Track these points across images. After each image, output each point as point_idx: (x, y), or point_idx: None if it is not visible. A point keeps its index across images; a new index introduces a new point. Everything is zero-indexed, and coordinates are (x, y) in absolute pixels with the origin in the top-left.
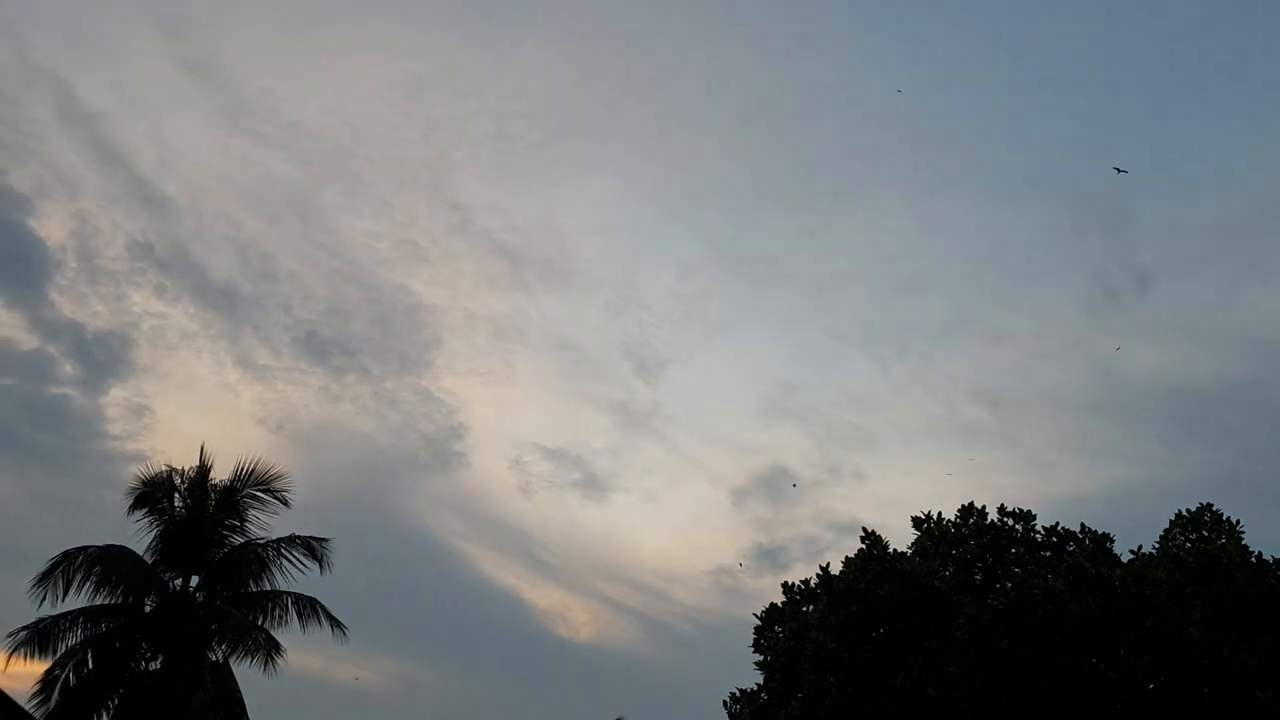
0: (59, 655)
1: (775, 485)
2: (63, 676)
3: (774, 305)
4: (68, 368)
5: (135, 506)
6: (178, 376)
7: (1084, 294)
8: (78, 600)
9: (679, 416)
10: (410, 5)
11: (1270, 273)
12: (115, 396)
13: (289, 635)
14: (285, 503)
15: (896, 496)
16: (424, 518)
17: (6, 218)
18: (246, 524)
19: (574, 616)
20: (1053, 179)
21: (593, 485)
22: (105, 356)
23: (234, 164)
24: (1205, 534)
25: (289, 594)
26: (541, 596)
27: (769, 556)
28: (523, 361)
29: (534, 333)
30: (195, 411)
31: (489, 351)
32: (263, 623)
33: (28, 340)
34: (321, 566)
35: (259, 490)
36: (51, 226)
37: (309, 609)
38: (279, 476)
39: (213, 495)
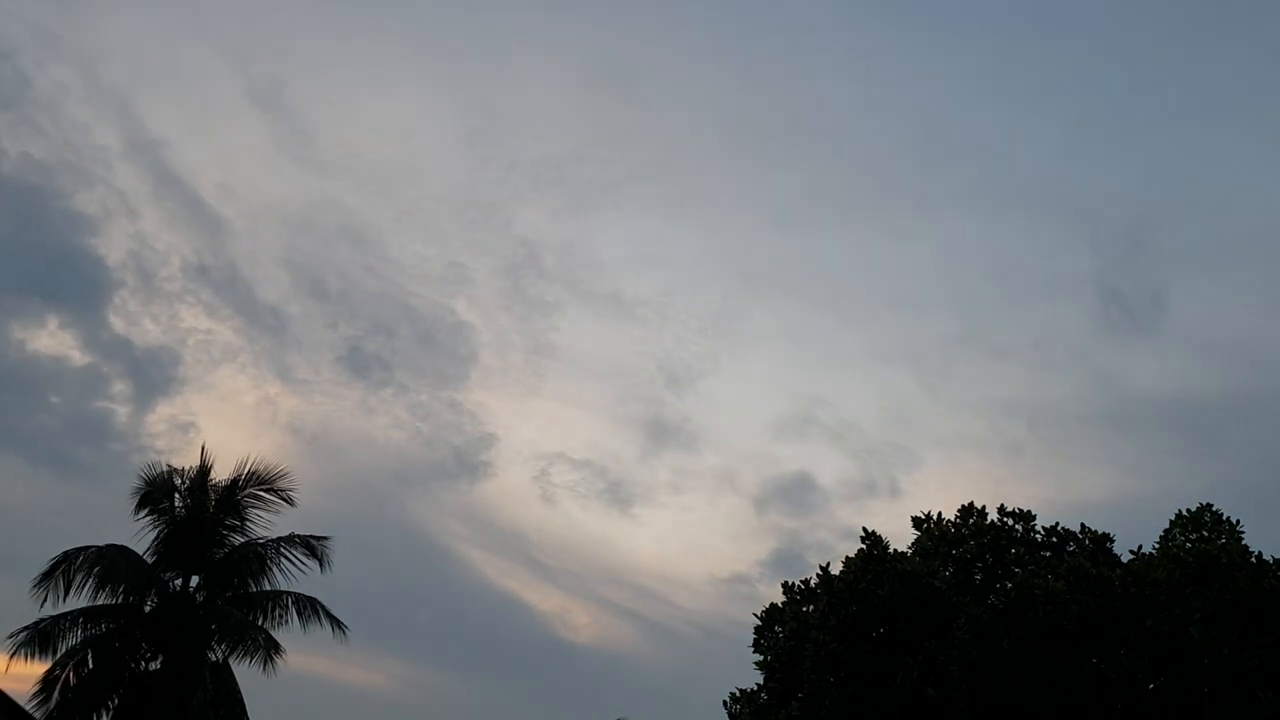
0: (59, 655)
1: (796, 495)
2: (63, 677)
3: (795, 321)
4: (118, 385)
5: (140, 506)
6: (220, 390)
7: (1090, 309)
8: (78, 600)
9: (707, 429)
10: (456, 48)
11: (1274, 286)
12: (162, 413)
13: (294, 635)
14: (290, 501)
15: (911, 507)
16: (448, 525)
17: (70, 240)
18: (248, 523)
19: (578, 619)
20: (1057, 196)
21: (618, 495)
22: (156, 373)
23: (291, 189)
24: (1205, 534)
25: (289, 594)
26: (542, 598)
27: (785, 564)
28: (556, 376)
29: (567, 347)
30: (235, 425)
31: (522, 366)
32: (263, 623)
33: (80, 358)
34: (322, 565)
35: (262, 490)
36: (112, 247)
37: (309, 609)
38: (282, 475)
39: (213, 495)
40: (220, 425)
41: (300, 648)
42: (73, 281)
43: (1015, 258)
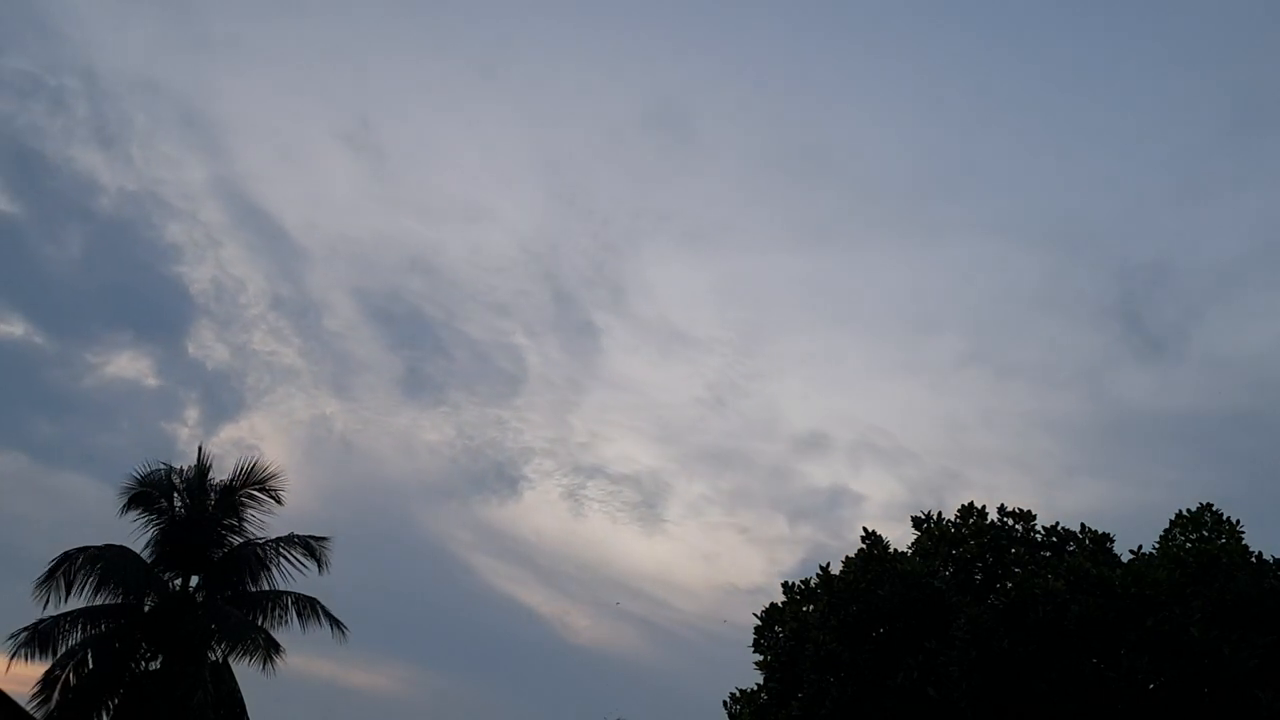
0: (59, 656)
1: (823, 509)
2: (63, 677)
3: (818, 341)
4: (190, 409)
5: (130, 506)
6: (280, 409)
7: (1093, 327)
8: (78, 601)
9: (736, 447)
10: (524, 90)
11: (1272, 305)
12: (227, 434)
13: (300, 637)
14: (278, 500)
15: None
16: (478, 537)
17: (155, 269)
18: (245, 523)
19: (603, 633)
20: (1058, 219)
21: (650, 511)
22: (226, 397)
23: (367, 220)
24: (1205, 534)
25: (289, 594)
26: (543, 601)
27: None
28: (598, 395)
29: (608, 368)
30: (292, 441)
31: (566, 386)
32: (262, 623)
33: (154, 381)
34: (320, 566)
35: (255, 489)
36: (195, 276)
37: (309, 609)
38: (274, 475)
39: (212, 495)
40: (278, 442)
41: (306, 649)
42: (155, 309)
43: (1025, 280)
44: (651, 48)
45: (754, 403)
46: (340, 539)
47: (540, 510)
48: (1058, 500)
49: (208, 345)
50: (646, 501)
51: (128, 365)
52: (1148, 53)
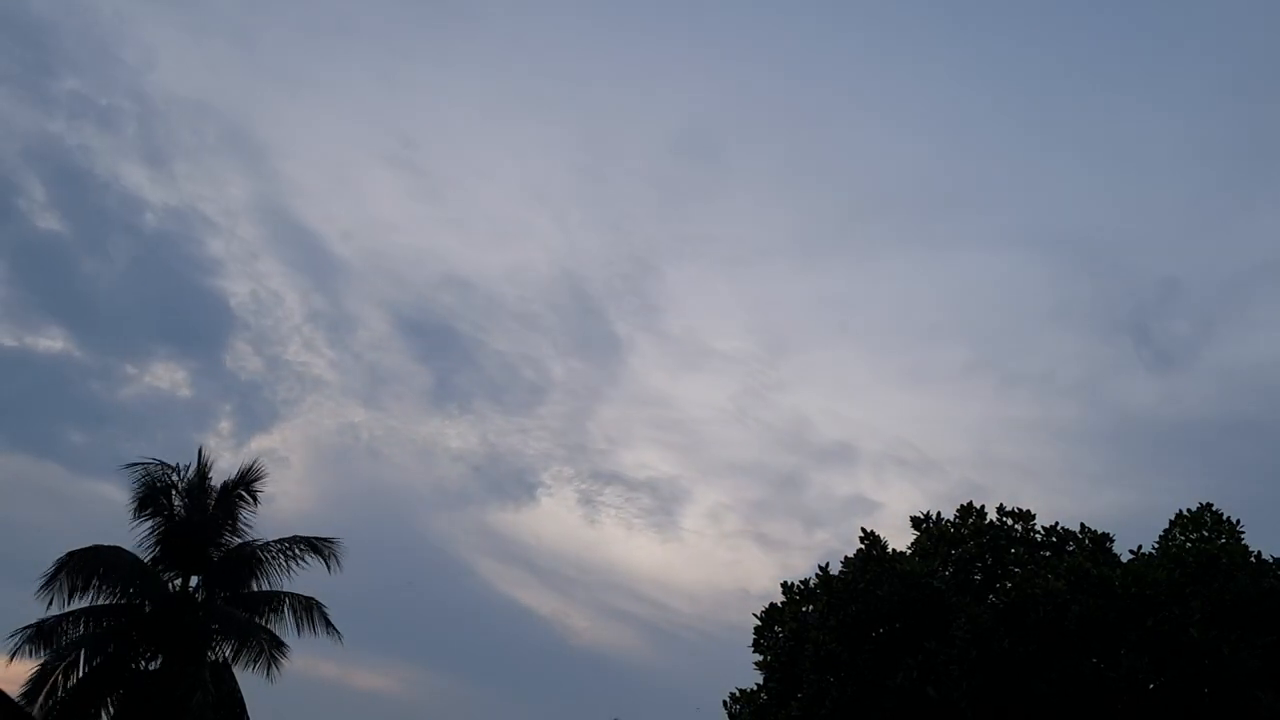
0: (59, 655)
1: (838, 515)
2: (63, 676)
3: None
4: (224, 420)
5: (141, 509)
6: (309, 417)
7: (1095, 337)
8: (79, 600)
9: (749, 456)
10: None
11: (1269, 316)
12: (258, 444)
13: (307, 639)
14: (254, 499)
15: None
16: (494, 542)
17: (195, 283)
18: (244, 524)
19: (614, 637)
20: (1063, 231)
21: (667, 517)
22: (259, 408)
23: (409, 237)
24: (1205, 534)
25: (287, 594)
26: (580, 620)
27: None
28: (620, 404)
29: (629, 379)
30: (320, 450)
31: (589, 395)
32: (262, 623)
33: (189, 393)
34: (328, 565)
35: (244, 491)
36: (234, 290)
37: (305, 610)
38: (261, 477)
39: (212, 495)
40: (307, 451)
41: (316, 652)
42: (193, 322)
43: (1029, 291)
44: (683, 72)
45: (776, 414)
46: (358, 543)
47: (555, 516)
48: (1083, 510)
49: (243, 357)
50: (663, 508)
51: (164, 377)
52: (1162, 71)
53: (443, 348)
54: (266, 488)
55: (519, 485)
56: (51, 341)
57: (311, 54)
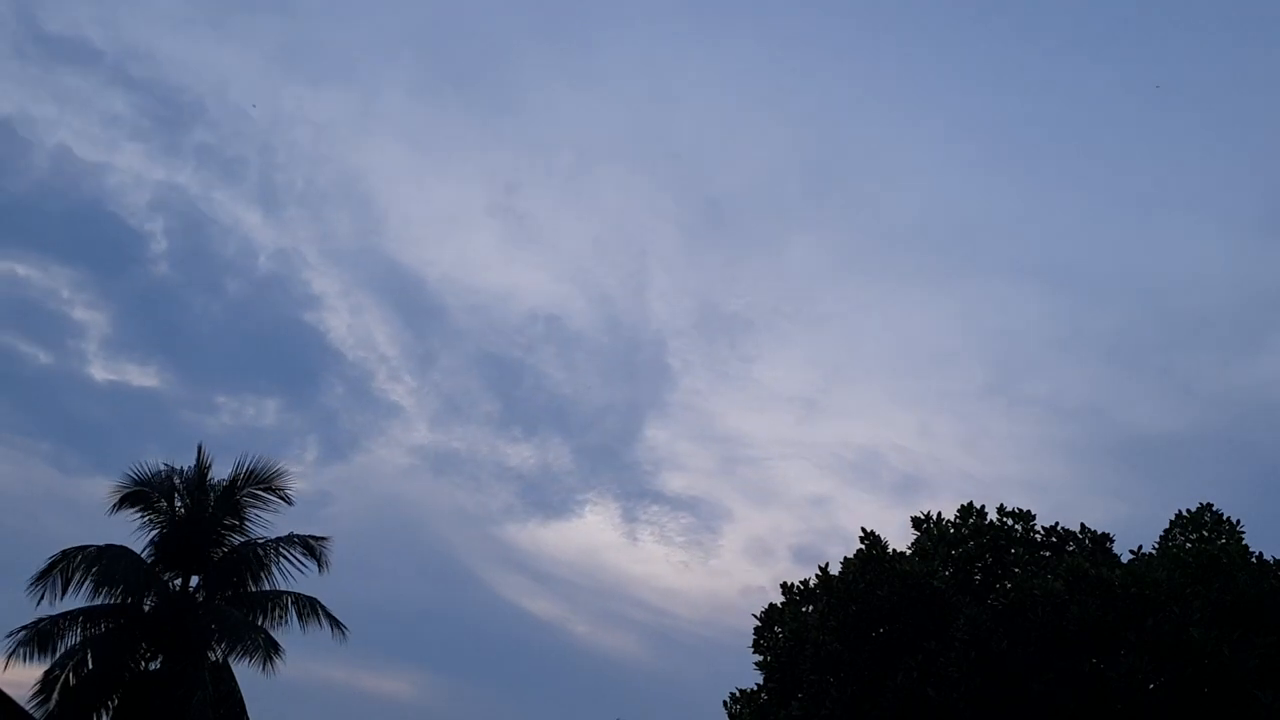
0: (58, 655)
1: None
2: (62, 677)
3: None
4: (310, 450)
5: (121, 505)
6: (389, 446)
7: (1097, 362)
8: (77, 600)
9: (782, 479)
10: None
11: (1262, 343)
12: (336, 472)
13: (320, 642)
14: (288, 500)
15: None
16: (533, 554)
17: (293, 316)
18: (247, 523)
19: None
20: (1064, 265)
21: (704, 538)
22: (341, 439)
23: (506, 282)
24: (1205, 534)
25: (289, 594)
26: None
27: None
28: (669, 427)
29: (679, 404)
30: (391, 475)
31: (640, 418)
32: (262, 623)
33: (273, 419)
34: (320, 565)
35: (260, 489)
36: (330, 324)
37: (309, 609)
38: (279, 474)
39: (212, 494)
40: (382, 476)
41: (326, 656)
42: (287, 355)
43: (1033, 320)
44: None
45: (822, 439)
46: (403, 556)
47: (593, 533)
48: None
49: (331, 388)
50: (705, 525)
51: (252, 406)
52: (1166, 116)
53: (518, 379)
54: (293, 486)
55: (565, 500)
56: (148, 375)
57: (423, 104)
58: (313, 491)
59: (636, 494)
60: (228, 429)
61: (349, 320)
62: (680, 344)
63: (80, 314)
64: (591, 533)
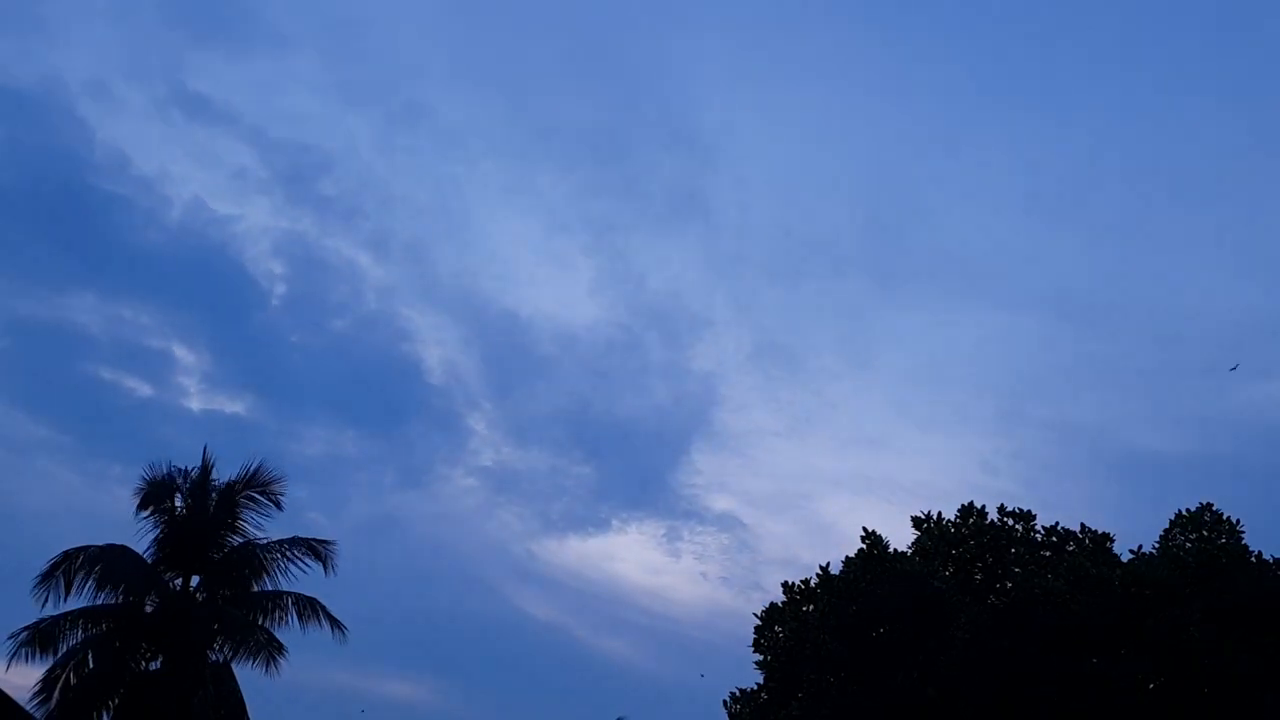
0: (59, 655)
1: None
2: (63, 677)
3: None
4: (388, 476)
5: (143, 506)
6: (460, 469)
7: (1092, 385)
8: (78, 600)
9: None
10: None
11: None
12: (407, 500)
13: (330, 645)
14: (278, 505)
15: None
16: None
17: (386, 350)
18: (244, 524)
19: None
20: (1060, 293)
21: (751, 553)
22: (418, 466)
23: (588, 317)
24: (1205, 534)
25: (289, 594)
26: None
27: None
28: (717, 457)
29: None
30: (457, 494)
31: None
32: (263, 623)
33: (355, 449)
34: (325, 568)
35: (255, 492)
36: (422, 356)
37: (309, 609)
38: (276, 480)
39: (213, 495)
40: (453, 500)
41: (339, 661)
42: (375, 387)
43: (1040, 347)
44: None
45: (850, 467)
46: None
47: (633, 551)
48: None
49: (415, 419)
50: (744, 545)
51: (334, 432)
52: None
53: (588, 403)
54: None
55: (598, 523)
56: (236, 406)
57: (516, 158)
58: (379, 515)
59: (681, 514)
60: (308, 457)
61: (438, 352)
62: (733, 376)
63: (180, 352)
64: (631, 550)
